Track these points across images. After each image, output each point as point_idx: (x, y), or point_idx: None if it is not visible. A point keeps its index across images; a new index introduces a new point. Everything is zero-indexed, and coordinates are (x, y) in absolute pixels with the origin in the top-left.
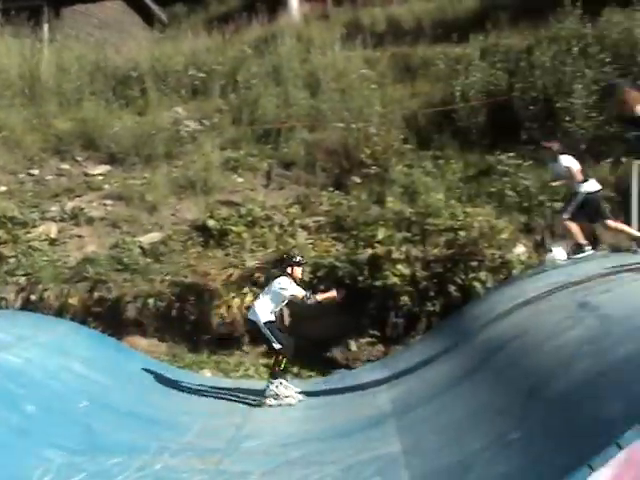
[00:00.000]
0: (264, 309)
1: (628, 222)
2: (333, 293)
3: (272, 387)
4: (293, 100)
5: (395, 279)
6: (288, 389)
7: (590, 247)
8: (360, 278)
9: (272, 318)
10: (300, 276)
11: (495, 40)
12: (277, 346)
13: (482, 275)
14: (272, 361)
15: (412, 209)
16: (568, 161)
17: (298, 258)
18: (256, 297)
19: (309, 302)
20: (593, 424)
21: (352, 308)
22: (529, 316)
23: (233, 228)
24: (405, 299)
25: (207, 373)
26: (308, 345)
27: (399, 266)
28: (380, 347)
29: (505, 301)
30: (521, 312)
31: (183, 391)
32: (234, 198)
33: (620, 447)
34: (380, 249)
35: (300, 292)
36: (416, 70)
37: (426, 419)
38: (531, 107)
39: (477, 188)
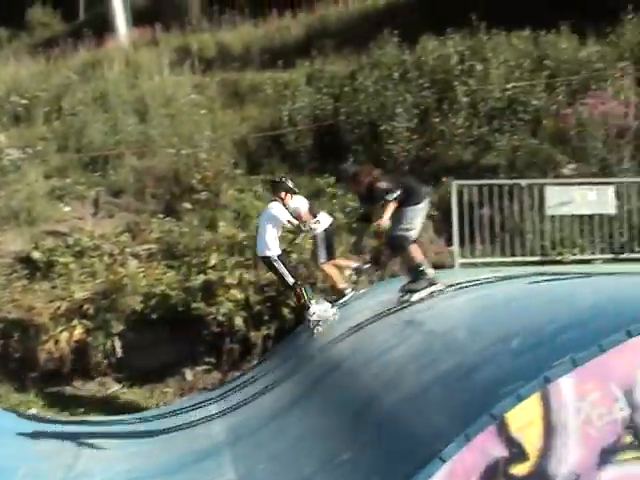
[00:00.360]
0: (273, 241)
1: (450, 240)
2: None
3: (311, 318)
4: (121, 126)
5: (229, 304)
6: (324, 308)
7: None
8: (194, 305)
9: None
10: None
11: (320, 66)
12: (291, 280)
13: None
14: (294, 298)
15: (244, 233)
16: (297, 202)
17: (291, 183)
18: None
19: (305, 230)
20: (417, 439)
21: (186, 336)
22: (359, 337)
23: (60, 259)
24: (240, 324)
25: (34, 412)
26: (142, 376)
27: (233, 291)
28: (216, 374)
29: (337, 322)
30: (352, 333)
31: (7, 433)
32: (61, 228)
33: (443, 460)
34: (213, 275)
35: (294, 220)
36: (245, 95)
37: (261, 445)
38: (356, 130)
39: None
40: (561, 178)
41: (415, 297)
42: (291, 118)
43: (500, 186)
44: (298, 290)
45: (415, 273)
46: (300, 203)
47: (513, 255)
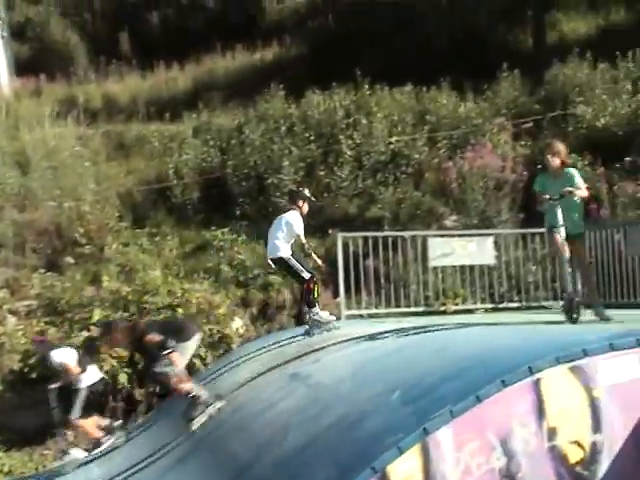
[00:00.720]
0: (284, 245)
1: (337, 292)
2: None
3: (315, 316)
4: (1, 179)
5: (112, 361)
6: (327, 314)
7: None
8: None
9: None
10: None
11: (207, 119)
12: (307, 275)
13: (201, 351)
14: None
15: (129, 287)
16: (61, 355)
17: (307, 192)
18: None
19: (307, 250)
20: None
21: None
22: (245, 391)
23: None
24: (124, 381)
25: None
26: (20, 439)
27: (116, 347)
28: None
29: (224, 377)
30: (238, 387)
31: None
32: None
33: None
34: (96, 331)
35: (302, 236)
36: (131, 147)
37: None
38: (243, 183)
39: (194, 264)
40: (443, 230)
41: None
42: (177, 170)
43: (384, 238)
44: (312, 284)
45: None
46: (66, 357)
47: (398, 306)
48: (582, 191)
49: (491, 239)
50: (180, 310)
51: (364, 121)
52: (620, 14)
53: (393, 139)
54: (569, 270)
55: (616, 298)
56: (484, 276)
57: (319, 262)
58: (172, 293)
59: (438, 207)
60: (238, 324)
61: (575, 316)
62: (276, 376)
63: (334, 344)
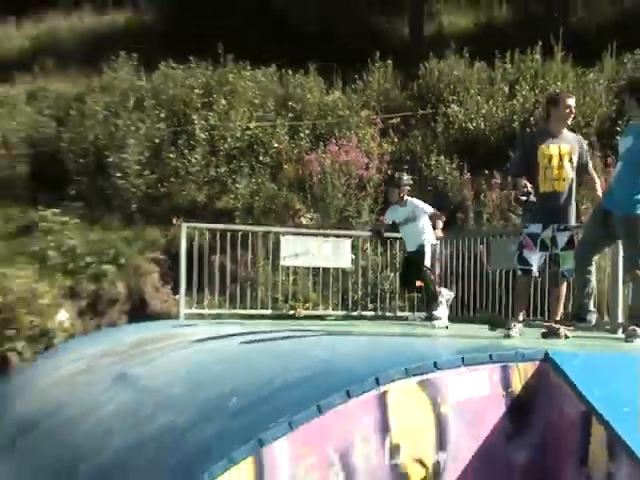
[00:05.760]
0: (430, 228)
1: (177, 288)
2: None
3: (436, 312)
4: None
5: None
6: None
7: None
8: None
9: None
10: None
11: (44, 84)
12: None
13: (19, 345)
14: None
15: None
16: None
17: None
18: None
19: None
20: None
21: None
22: (66, 391)
23: None
24: None
25: None
26: None
27: None
28: None
29: (42, 375)
30: (58, 387)
31: None
32: None
33: None
34: None
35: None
36: None
37: None
38: (81, 160)
39: (16, 247)
40: (299, 227)
41: None
42: (5, 139)
43: (234, 232)
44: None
45: None
46: None
47: (244, 307)
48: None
49: (349, 241)
50: None
51: (223, 101)
52: (502, 11)
53: (252, 124)
54: None
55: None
56: (338, 281)
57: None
58: None
59: (295, 202)
60: (63, 317)
61: None
62: (101, 377)
63: (170, 344)
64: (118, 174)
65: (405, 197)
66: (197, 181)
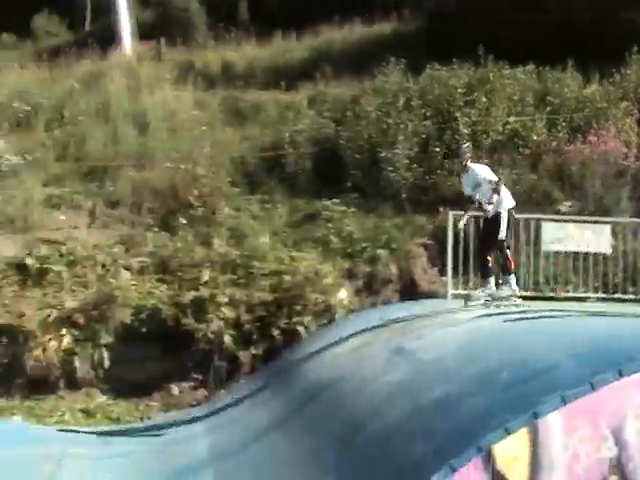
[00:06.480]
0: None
1: (444, 270)
2: None
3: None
4: (121, 138)
5: (219, 322)
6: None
7: None
8: (184, 321)
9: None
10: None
11: (323, 89)
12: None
13: (306, 319)
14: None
15: (238, 252)
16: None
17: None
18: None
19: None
20: (401, 468)
21: (175, 351)
22: (348, 362)
23: (53, 267)
24: (229, 342)
25: (18, 419)
26: (128, 389)
27: (223, 309)
28: (203, 392)
29: (327, 346)
30: (341, 358)
31: None
32: (55, 236)
33: None
34: (204, 291)
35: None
36: (246, 114)
37: (243, 467)
38: (357, 156)
39: (303, 233)
40: (558, 215)
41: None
42: (292, 139)
43: None
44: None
45: None
46: None
47: None
48: None
49: (608, 228)
50: (287, 277)
51: (483, 99)
52: None
53: (511, 119)
54: None
55: None
56: (598, 264)
57: None
58: (280, 260)
59: (554, 191)
60: (343, 295)
61: None
62: (379, 350)
63: (440, 321)
64: (390, 168)
65: (467, 164)
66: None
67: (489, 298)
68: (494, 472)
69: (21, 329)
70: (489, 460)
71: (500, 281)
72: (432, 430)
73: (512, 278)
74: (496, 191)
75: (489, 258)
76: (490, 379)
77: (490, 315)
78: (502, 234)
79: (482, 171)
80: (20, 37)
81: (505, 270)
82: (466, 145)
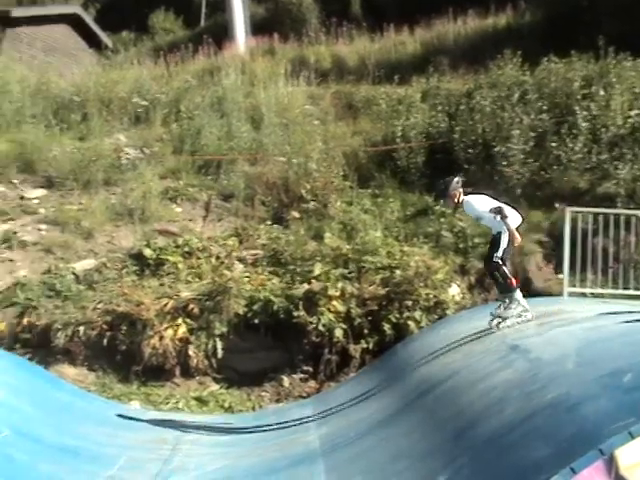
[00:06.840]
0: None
1: (559, 267)
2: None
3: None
4: (235, 132)
5: (330, 315)
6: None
7: None
8: (295, 313)
9: None
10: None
11: (436, 83)
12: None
13: (416, 314)
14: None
15: (349, 246)
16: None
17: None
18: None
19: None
20: (519, 468)
21: (286, 343)
22: (461, 357)
23: (169, 258)
24: (339, 336)
25: (136, 404)
26: (240, 378)
27: (334, 302)
28: (313, 383)
29: (438, 341)
30: (453, 353)
31: (110, 422)
32: (172, 228)
33: None
34: (316, 285)
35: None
36: (358, 109)
37: (354, 459)
38: (470, 150)
39: (414, 228)
40: None
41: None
42: (404, 134)
43: (617, 215)
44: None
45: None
46: None
47: (626, 288)
48: None
49: None
50: (398, 272)
51: (602, 93)
52: None
53: (633, 113)
54: None
55: None
56: None
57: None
58: (391, 254)
59: None
60: (455, 291)
61: None
62: (495, 346)
63: (557, 320)
64: (504, 162)
65: (461, 199)
66: (578, 168)
67: (502, 316)
68: (616, 476)
69: (139, 317)
70: (611, 464)
71: (507, 300)
72: (551, 431)
73: (518, 293)
74: (504, 217)
75: (500, 274)
76: (612, 382)
77: (607, 315)
78: (499, 253)
79: (479, 204)
80: (138, 34)
81: (507, 289)
82: (455, 180)
